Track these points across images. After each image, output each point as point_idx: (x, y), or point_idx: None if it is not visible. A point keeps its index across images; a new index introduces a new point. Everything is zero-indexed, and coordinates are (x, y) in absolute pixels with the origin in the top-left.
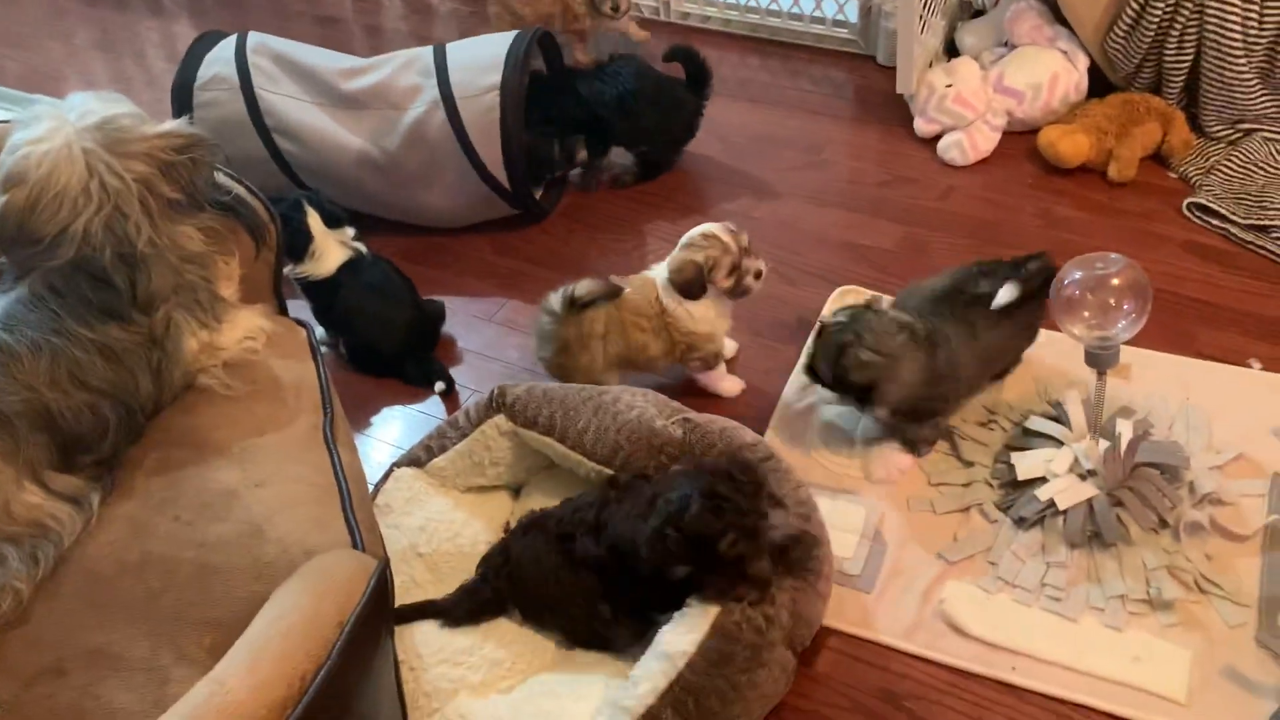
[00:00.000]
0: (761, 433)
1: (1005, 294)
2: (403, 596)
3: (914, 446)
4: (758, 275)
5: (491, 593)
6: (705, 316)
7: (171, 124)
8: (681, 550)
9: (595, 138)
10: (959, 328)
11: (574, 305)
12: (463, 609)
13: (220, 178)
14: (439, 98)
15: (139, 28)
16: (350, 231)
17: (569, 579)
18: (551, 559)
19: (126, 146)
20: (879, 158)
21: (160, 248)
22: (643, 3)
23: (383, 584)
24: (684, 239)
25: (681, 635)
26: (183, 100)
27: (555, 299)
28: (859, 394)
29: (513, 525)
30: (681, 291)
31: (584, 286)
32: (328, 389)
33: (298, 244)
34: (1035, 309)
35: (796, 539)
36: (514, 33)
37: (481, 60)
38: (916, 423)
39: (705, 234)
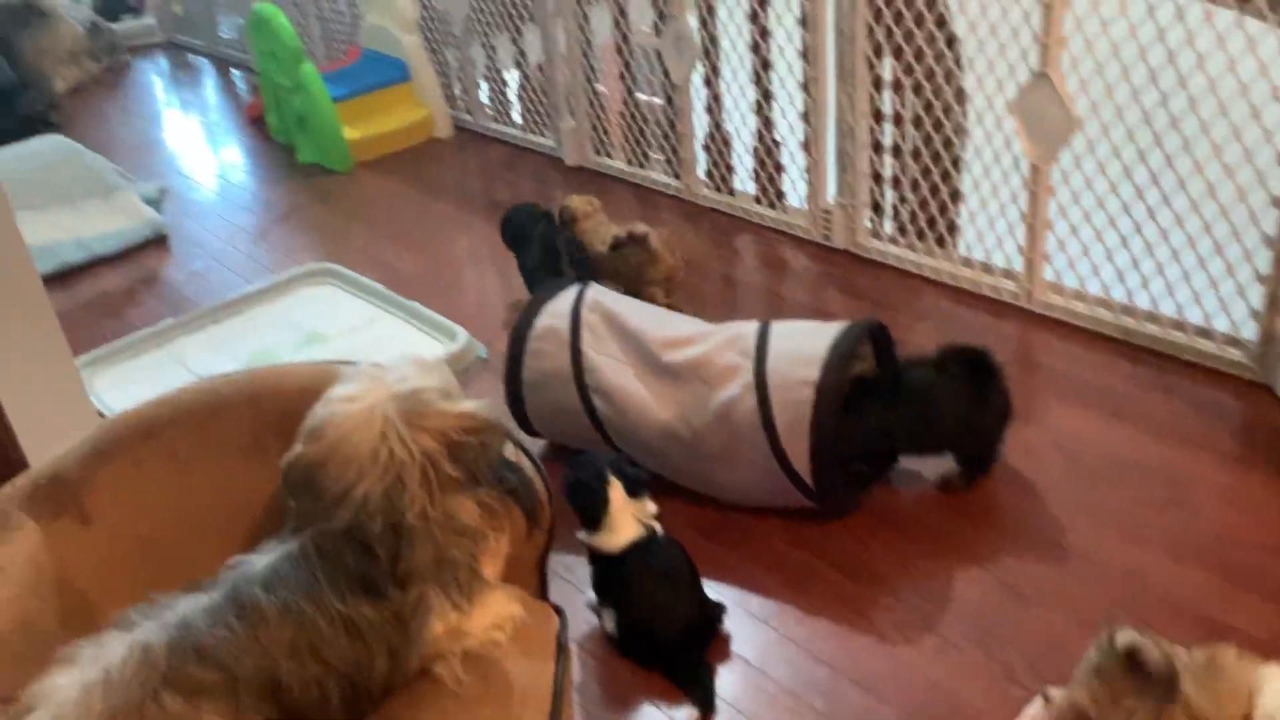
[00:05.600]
0: None
1: None
2: None
3: None
4: None
5: None
6: None
7: (471, 404)
8: None
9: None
10: None
11: (1130, 661)
12: None
13: (509, 452)
14: (752, 383)
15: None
16: (651, 507)
17: None
18: None
19: (421, 420)
20: (1265, 513)
21: (430, 521)
22: (1001, 286)
23: None
24: None
25: None
26: (516, 347)
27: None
28: None
29: None
30: None
31: (1141, 644)
32: (560, 698)
33: (594, 514)
34: None
35: None
36: (843, 324)
37: (804, 351)
38: None
39: None
